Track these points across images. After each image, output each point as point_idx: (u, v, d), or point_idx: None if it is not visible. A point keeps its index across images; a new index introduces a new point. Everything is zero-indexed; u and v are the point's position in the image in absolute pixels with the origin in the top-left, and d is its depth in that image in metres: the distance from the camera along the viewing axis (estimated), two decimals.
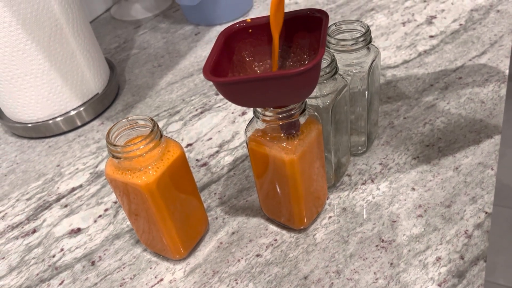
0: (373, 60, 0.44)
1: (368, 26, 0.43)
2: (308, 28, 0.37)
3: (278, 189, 0.41)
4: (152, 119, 0.37)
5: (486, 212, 0.42)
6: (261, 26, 0.37)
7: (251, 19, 0.38)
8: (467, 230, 0.41)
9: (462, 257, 0.39)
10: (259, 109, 0.37)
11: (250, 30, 0.38)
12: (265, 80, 0.32)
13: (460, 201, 0.44)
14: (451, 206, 0.43)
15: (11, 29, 0.53)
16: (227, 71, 0.36)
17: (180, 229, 0.41)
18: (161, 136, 0.37)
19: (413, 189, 0.46)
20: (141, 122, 0.38)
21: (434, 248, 0.40)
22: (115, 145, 0.36)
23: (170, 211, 0.39)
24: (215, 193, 0.49)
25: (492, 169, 0.46)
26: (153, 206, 0.37)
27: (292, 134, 0.37)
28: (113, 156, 0.36)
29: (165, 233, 0.40)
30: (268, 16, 0.37)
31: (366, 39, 0.42)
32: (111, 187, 0.39)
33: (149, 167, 0.36)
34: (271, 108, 0.36)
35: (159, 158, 0.37)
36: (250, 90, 0.33)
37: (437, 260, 0.39)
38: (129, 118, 0.38)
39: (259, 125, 0.38)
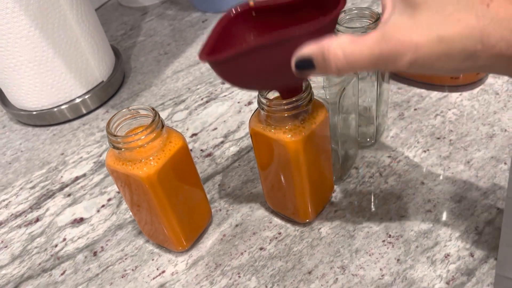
0: None
1: (379, 14, 0.41)
2: (322, 11, 0.35)
3: (282, 180, 0.40)
4: (153, 109, 0.36)
5: (498, 208, 0.41)
6: (265, 8, 0.36)
7: (254, 1, 0.36)
8: (477, 227, 0.40)
9: (471, 254, 0.38)
10: (263, 100, 0.36)
11: (254, 14, 0.36)
12: (268, 48, 0.29)
13: (471, 196, 0.42)
14: (461, 202, 0.42)
15: (14, 15, 0.52)
16: None
17: (182, 221, 0.40)
18: (163, 126, 0.36)
19: (423, 183, 0.44)
20: (143, 112, 0.37)
21: (442, 245, 0.39)
22: (115, 135, 0.35)
23: (172, 203, 0.38)
24: (219, 184, 0.48)
25: (505, 163, 0.44)
26: (155, 198, 0.37)
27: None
28: (114, 147, 0.35)
29: (167, 225, 0.39)
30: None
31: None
32: (112, 178, 0.38)
33: (151, 158, 0.35)
34: (275, 101, 0.35)
35: (160, 149, 0.36)
36: (251, 64, 0.30)
37: (446, 257, 0.38)
38: (130, 107, 0.37)
39: (264, 115, 0.37)
